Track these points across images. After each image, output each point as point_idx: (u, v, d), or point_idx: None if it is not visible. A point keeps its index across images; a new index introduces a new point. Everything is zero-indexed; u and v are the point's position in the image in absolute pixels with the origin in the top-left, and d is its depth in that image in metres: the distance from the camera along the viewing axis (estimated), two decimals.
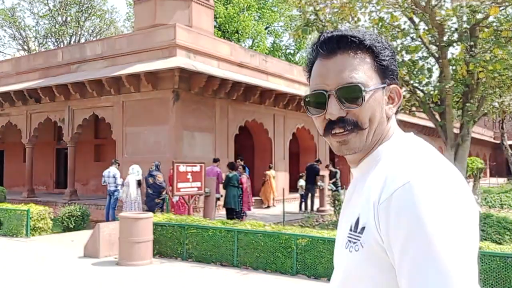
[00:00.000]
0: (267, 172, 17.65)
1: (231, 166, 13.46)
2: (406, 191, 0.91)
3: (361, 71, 1.05)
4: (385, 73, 1.09)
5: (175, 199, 11.89)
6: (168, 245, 9.08)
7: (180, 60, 15.14)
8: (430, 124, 33.27)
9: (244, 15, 36.82)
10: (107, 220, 13.13)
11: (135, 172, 12.86)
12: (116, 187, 13.07)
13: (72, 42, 35.18)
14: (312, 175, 16.44)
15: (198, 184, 11.31)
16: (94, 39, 33.57)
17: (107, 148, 21.11)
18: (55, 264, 8.75)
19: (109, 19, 37.19)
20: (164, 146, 15.46)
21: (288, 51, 42.35)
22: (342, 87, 1.04)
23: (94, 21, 36.85)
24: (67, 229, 13.10)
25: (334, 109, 1.05)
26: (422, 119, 30.73)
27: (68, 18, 36.17)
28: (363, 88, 1.04)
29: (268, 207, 17.80)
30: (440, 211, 0.88)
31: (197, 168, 11.32)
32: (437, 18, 10.95)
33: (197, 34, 16.38)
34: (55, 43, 36.35)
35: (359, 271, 0.99)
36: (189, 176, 11.05)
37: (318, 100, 1.07)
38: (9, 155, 24.38)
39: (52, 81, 17.73)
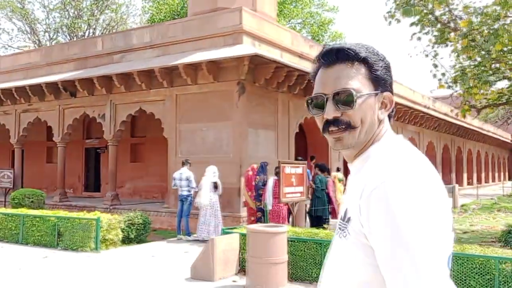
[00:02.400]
0: (334, 174, 15.93)
1: (323, 168, 11.78)
2: (381, 190, 1.06)
3: (355, 79, 1.21)
4: (378, 82, 1.23)
5: (269, 206, 10.14)
6: (299, 266, 7.31)
7: (247, 48, 13.40)
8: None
9: None
10: (179, 230, 11.32)
11: (211, 174, 11.08)
12: (189, 191, 11.23)
13: (86, 36, 33.21)
14: None
15: (301, 189, 9.59)
16: (109, 33, 31.59)
17: (145, 147, 19.34)
18: None
19: (125, 13, 35.26)
20: (227, 145, 13.68)
21: None
22: (338, 91, 1.20)
23: (110, 15, 34.88)
24: (127, 239, 11.29)
25: (330, 111, 1.21)
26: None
27: (81, 12, 34.22)
28: (355, 93, 1.19)
29: None
30: (408, 207, 1.03)
31: (299, 170, 9.61)
32: None
33: (261, 19, 14.64)
34: (68, 37, 34.37)
35: (347, 254, 1.13)
36: (293, 179, 9.32)
37: (318, 102, 1.24)
38: (30, 155, 22.31)
39: (93, 72, 15.88)
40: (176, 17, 31.92)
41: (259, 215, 10.42)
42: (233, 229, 8.36)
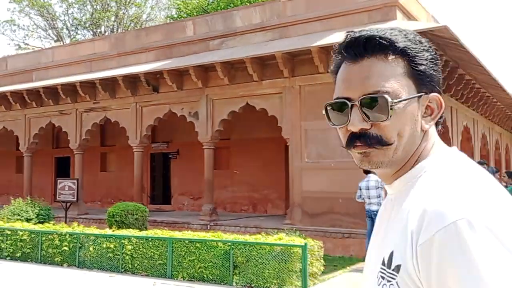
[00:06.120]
0: None
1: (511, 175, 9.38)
2: (452, 235, 0.77)
3: (391, 78, 0.91)
4: (423, 80, 0.93)
5: None
6: None
7: (406, 25, 10.88)
8: None
9: None
10: None
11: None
12: (379, 204, 8.61)
13: (115, 32, 30.37)
14: None
15: None
16: (139, 28, 28.80)
17: (228, 152, 16.63)
18: None
19: (150, 6, 32.57)
20: None
21: None
22: (366, 97, 0.91)
23: (138, 9, 32.15)
24: None
25: (356, 121, 0.92)
26: None
27: (108, 6, 31.45)
28: (389, 100, 0.89)
29: None
30: (496, 258, 0.75)
31: None
32: None
33: None
34: (91, 32, 31.53)
35: None
36: None
37: (341, 109, 0.94)
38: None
39: (188, 61, 13.17)
40: (202, 13, 29.42)
41: None
42: None
